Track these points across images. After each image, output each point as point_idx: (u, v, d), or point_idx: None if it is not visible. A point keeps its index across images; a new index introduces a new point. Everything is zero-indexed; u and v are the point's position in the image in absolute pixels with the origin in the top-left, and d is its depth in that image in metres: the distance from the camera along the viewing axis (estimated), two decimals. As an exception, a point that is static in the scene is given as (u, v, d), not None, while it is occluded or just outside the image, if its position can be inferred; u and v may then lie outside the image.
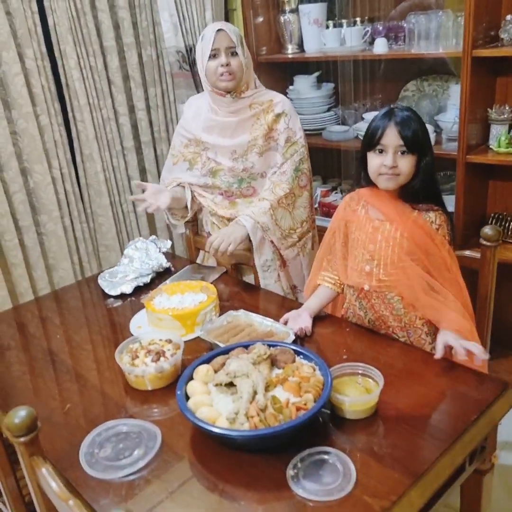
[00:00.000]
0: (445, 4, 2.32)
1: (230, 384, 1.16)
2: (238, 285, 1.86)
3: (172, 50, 2.56)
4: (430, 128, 2.38)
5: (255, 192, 1.93)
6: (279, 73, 2.84)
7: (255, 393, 1.11)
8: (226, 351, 1.30)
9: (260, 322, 1.51)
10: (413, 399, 1.22)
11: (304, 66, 2.85)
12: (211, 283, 1.76)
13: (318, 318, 1.56)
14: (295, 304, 1.70)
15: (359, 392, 1.19)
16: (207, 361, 1.26)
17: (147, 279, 1.87)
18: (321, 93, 2.76)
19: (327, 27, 2.58)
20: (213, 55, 1.80)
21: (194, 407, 1.14)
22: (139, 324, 1.62)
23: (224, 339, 1.44)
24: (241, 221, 1.81)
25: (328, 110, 2.78)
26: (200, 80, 2.58)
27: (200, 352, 1.43)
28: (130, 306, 1.75)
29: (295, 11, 2.65)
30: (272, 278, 1.89)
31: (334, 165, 2.75)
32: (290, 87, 2.79)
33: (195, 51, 2.59)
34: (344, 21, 2.53)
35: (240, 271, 1.98)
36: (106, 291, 1.82)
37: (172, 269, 1.96)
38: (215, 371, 1.22)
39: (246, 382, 1.13)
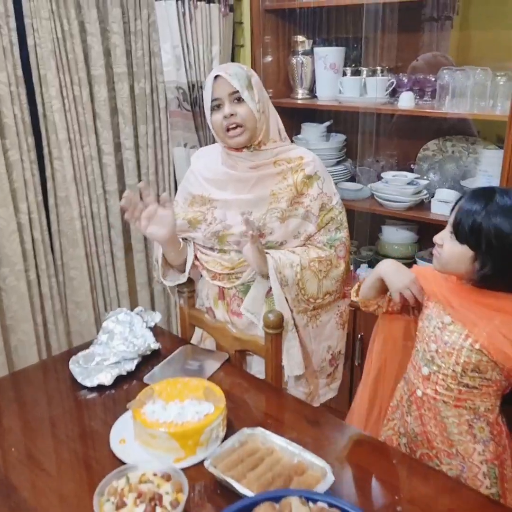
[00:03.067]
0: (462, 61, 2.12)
1: None
2: (245, 380, 1.49)
3: (171, 85, 2.24)
4: (455, 194, 2.14)
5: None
6: (285, 119, 2.53)
7: None
8: (248, 507, 0.94)
9: (284, 448, 1.16)
10: None
11: (312, 113, 2.59)
12: (212, 375, 1.42)
13: (355, 441, 1.24)
14: (317, 411, 1.37)
15: None
16: (225, 522, 0.91)
17: (132, 366, 1.49)
18: (331, 145, 2.50)
19: (344, 74, 2.34)
20: (217, 106, 1.49)
21: None
22: (121, 436, 1.24)
23: (238, 473, 1.08)
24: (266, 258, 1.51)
25: (337, 164, 2.52)
26: (201, 122, 2.27)
27: (203, 483, 1.08)
28: (107, 404, 1.38)
29: (309, 53, 2.41)
30: (296, 340, 1.57)
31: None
32: (298, 136, 2.52)
33: (198, 89, 2.30)
34: (363, 69, 2.29)
35: (246, 360, 1.63)
36: (79, 380, 1.44)
37: (162, 351, 1.60)
38: (239, 545, 0.87)
39: None
